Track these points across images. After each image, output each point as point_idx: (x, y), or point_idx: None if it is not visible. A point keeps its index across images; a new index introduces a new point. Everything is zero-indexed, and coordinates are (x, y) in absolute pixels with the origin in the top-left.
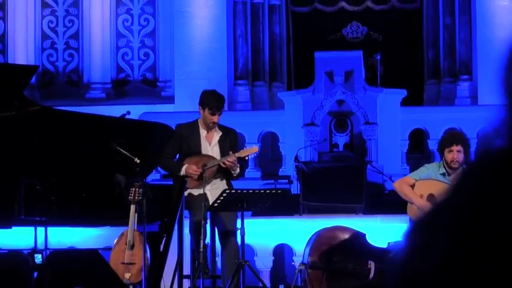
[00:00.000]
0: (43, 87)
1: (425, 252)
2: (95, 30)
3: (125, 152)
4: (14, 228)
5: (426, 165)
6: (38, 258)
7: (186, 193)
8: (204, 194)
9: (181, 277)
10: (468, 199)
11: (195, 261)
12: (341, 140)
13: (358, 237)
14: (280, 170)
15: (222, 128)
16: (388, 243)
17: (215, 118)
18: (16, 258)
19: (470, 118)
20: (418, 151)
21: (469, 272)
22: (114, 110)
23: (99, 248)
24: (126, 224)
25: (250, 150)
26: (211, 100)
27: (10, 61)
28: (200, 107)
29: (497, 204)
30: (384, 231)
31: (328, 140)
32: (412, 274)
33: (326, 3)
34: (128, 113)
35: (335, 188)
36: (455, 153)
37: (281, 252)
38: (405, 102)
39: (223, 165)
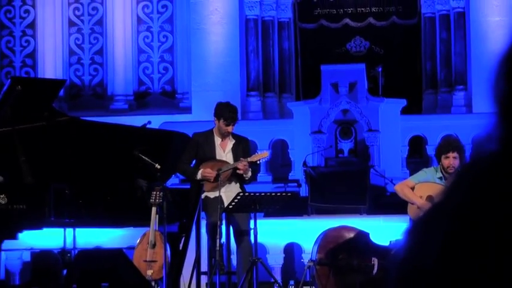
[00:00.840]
0: (70, 100)
1: (424, 248)
2: (118, 46)
3: (146, 158)
4: (44, 229)
5: (424, 169)
6: (67, 257)
7: (202, 196)
8: (220, 197)
9: (199, 273)
10: (464, 198)
11: (211, 259)
12: (346, 146)
13: (362, 236)
14: (290, 174)
15: (235, 136)
16: (390, 241)
17: (229, 128)
18: (47, 257)
19: (465, 125)
20: (417, 156)
21: (466, 265)
22: (136, 120)
23: (123, 247)
24: (148, 224)
25: (261, 155)
26: (225, 112)
27: (40, 76)
28: (215, 118)
29: (491, 203)
30: (386, 230)
31: (334, 146)
32: (412, 270)
33: (331, 20)
34: (149, 122)
35: (340, 190)
36: (451, 160)
37: (291, 250)
38: (405, 111)
39: (239, 171)
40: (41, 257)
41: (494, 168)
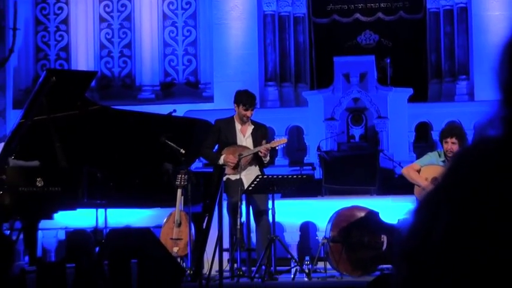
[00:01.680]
0: (101, 90)
1: (429, 228)
2: (145, 40)
3: (172, 144)
4: (78, 210)
5: (429, 153)
6: (99, 235)
7: (224, 178)
8: (240, 179)
9: (221, 250)
10: (468, 180)
11: (233, 237)
12: (357, 132)
13: (372, 215)
14: (305, 158)
15: (254, 123)
16: (399, 219)
17: (248, 113)
18: (81, 235)
19: (468, 112)
20: (423, 141)
21: (469, 246)
22: (162, 109)
23: (151, 226)
24: (174, 205)
25: (280, 141)
26: (244, 98)
27: (73, 68)
28: (235, 105)
29: (494, 185)
30: (395, 210)
31: (345, 132)
32: (416, 249)
33: (343, 15)
34: (174, 111)
35: (352, 173)
36: (450, 145)
37: (306, 229)
38: (411, 99)
39: (260, 154)
40: (75, 235)
41: (497, 151)
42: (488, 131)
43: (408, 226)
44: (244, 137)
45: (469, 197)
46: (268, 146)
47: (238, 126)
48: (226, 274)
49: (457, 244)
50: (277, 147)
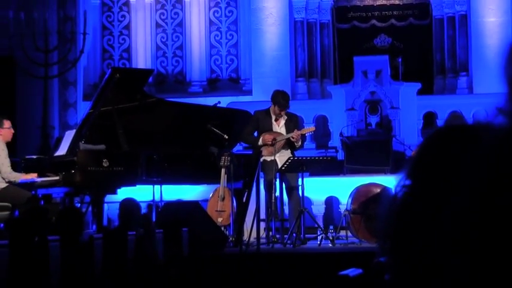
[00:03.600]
0: (157, 85)
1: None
2: (194, 43)
3: (217, 130)
4: (138, 186)
5: None
6: (156, 208)
7: (261, 159)
8: (275, 160)
9: (258, 220)
10: (482, 165)
11: (268, 209)
12: (373, 120)
13: (386, 190)
14: (329, 142)
15: (287, 113)
16: None
17: (282, 112)
18: (129, 202)
19: (467, 103)
20: (429, 127)
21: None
22: (209, 101)
23: (199, 200)
24: (218, 182)
25: (309, 129)
26: (280, 100)
27: (133, 66)
28: (272, 103)
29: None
30: None
31: (364, 120)
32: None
33: (361, 21)
34: (219, 102)
35: (369, 155)
36: None
37: (330, 202)
38: (420, 92)
39: (292, 139)
40: (125, 202)
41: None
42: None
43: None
44: (279, 126)
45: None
46: (299, 132)
47: (273, 116)
48: (262, 240)
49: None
50: (306, 134)
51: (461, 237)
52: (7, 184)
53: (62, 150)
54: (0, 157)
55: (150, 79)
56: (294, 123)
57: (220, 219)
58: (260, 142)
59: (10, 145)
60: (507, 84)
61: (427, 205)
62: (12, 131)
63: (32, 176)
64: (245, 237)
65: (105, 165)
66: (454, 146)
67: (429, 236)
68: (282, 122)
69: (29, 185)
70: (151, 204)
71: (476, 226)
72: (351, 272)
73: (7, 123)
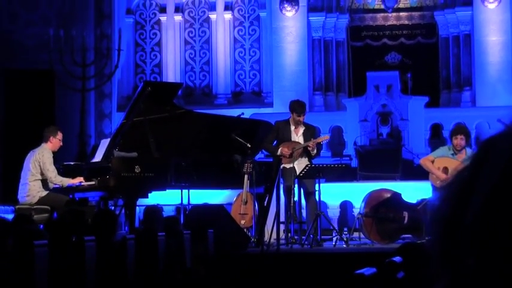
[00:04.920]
0: (186, 97)
1: (466, 202)
2: (220, 59)
3: (240, 139)
4: (167, 190)
5: (441, 147)
6: (184, 211)
7: (281, 167)
8: (293, 167)
9: (278, 223)
10: (499, 164)
11: (287, 212)
12: (384, 130)
13: (396, 196)
14: (344, 151)
15: (305, 124)
16: (417, 200)
17: (301, 118)
18: (153, 209)
19: (471, 116)
20: (436, 138)
21: (505, 222)
22: (233, 112)
23: (224, 204)
24: (242, 187)
25: (323, 138)
26: (296, 107)
27: (164, 80)
28: (290, 112)
29: None
30: (414, 192)
31: (375, 130)
32: (451, 222)
33: (373, 40)
34: (242, 113)
35: (381, 162)
36: (459, 140)
37: (345, 206)
38: (427, 105)
39: (308, 148)
40: (149, 209)
41: None
42: None
43: (444, 199)
44: (297, 135)
45: (503, 183)
46: (315, 141)
47: (292, 127)
48: (282, 241)
49: (497, 223)
50: (322, 143)
51: None
52: (47, 192)
53: (97, 157)
54: (46, 164)
55: (179, 92)
56: (311, 133)
57: (243, 222)
58: (279, 152)
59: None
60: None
61: None
62: (61, 143)
63: (80, 180)
64: (266, 238)
65: (137, 171)
66: None
67: None
68: (301, 131)
69: (68, 190)
70: (179, 208)
71: None
72: (366, 271)
73: (59, 135)
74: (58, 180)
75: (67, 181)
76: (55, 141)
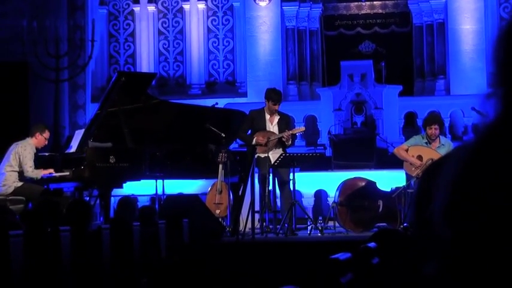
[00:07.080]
0: (160, 88)
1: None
2: (194, 49)
3: (214, 129)
4: (142, 181)
5: (414, 136)
6: (159, 200)
7: (255, 156)
8: (268, 157)
9: (253, 212)
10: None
11: (262, 201)
12: (359, 119)
13: (371, 184)
14: (318, 140)
15: (280, 113)
16: (391, 188)
17: (276, 107)
18: (127, 199)
19: (445, 104)
20: (410, 126)
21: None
22: (207, 102)
23: (199, 193)
24: (216, 177)
25: (299, 130)
26: (272, 95)
27: (138, 70)
28: (265, 100)
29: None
30: (388, 180)
31: (350, 119)
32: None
33: (347, 29)
34: (216, 103)
35: (355, 151)
36: (433, 130)
37: (319, 195)
38: (401, 94)
39: (283, 139)
40: (124, 199)
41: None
42: (487, 105)
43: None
44: (272, 125)
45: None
46: (290, 132)
47: (267, 116)
48: (257, 230)
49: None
50: (297, 134)
51: None
52: (22, 183)
53: (72, 148)
54: (26, 159)
55: (153, 82)
56: (285, 122)
57: (218, 211)
58: (254, 141)
59: None
60: (497, 71)
61: None
62: (46, 142)
63: (50, 171)
64: (241, 227)
65: (112, 161)
66: None
67: None
68: (276, 120)
69: (42, 180)
70: (154, 198)
71: None
72: (341, 255)
73: (46, 134)
74: (34, 174)
75: (40, 173)
76: (40, 139)
